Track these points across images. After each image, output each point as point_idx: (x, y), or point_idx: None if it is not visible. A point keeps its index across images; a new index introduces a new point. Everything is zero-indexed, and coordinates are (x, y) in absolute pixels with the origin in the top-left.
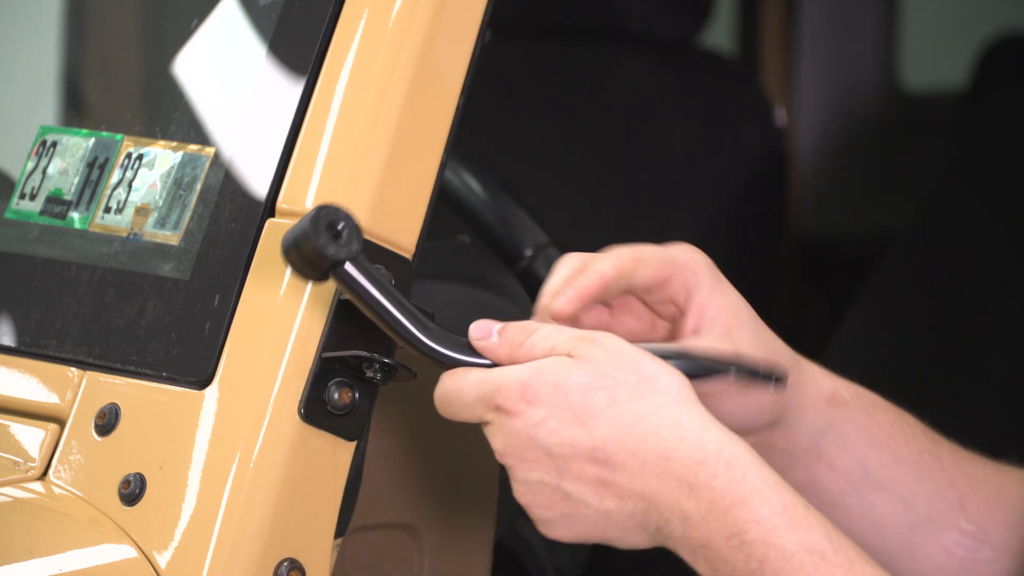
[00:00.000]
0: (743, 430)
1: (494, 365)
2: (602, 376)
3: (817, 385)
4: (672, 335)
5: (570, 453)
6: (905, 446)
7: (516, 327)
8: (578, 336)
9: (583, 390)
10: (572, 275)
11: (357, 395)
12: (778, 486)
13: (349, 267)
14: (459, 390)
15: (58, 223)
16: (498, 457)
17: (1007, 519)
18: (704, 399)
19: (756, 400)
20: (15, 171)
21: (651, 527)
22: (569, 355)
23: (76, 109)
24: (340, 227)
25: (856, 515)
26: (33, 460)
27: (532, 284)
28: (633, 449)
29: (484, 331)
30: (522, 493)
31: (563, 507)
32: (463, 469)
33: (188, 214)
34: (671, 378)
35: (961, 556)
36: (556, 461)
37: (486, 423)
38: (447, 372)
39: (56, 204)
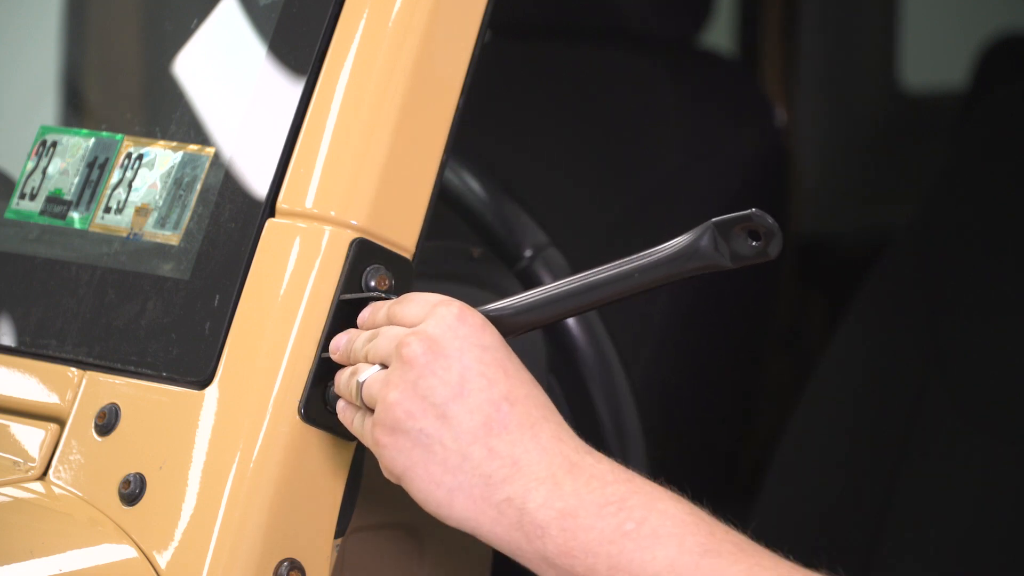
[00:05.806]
0: None
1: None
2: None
3: None
4: None
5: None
6: None
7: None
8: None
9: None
10: None
11: None
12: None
13: None
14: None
15: (58, 223)
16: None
17: None
18: None
19: None
20: (15, 171)
21: (502, 494)
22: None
23: (76, 109)
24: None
25: None
26: (33, 460)
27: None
28: (532, 422)
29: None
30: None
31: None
32: None
33: (188, 214)
34: None
35: None
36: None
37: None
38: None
39: (56, 204)
